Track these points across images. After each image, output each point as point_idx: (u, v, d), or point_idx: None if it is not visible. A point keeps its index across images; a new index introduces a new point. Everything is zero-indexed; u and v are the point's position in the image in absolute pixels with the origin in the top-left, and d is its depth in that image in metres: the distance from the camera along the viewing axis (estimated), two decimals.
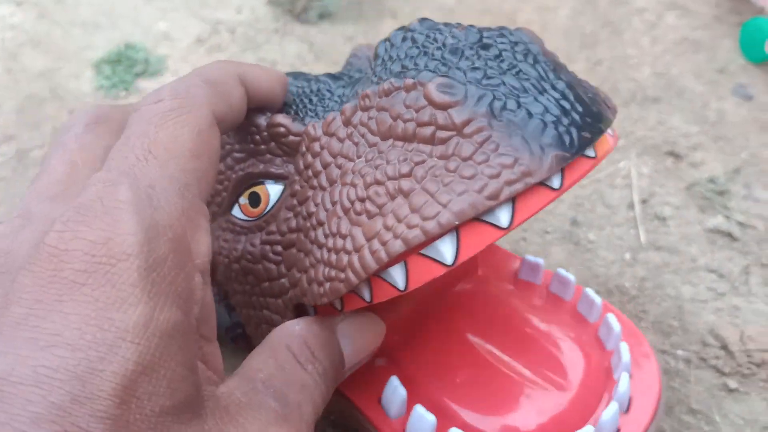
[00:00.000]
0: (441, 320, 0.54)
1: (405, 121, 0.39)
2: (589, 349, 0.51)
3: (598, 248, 0.69)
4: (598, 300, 0.53)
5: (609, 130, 0.41)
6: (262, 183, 0.49)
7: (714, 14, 0.96)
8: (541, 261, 0.56)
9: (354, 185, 0.40)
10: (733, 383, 0.57)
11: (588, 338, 0.52)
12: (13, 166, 0.78)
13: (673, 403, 0.56)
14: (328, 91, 0.51)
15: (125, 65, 0.87)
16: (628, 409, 0.48)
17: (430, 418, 0.45)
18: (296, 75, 0.53)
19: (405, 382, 0.49)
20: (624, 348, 0.49)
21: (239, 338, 0.55)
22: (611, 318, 0.51)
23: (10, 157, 0.79)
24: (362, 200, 0.39)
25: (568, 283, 0.55)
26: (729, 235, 0.69)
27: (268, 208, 0.48)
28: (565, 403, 0.48)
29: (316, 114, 0.49)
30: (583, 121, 0.37)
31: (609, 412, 0.45)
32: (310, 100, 0.50)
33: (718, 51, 0.91)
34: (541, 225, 0.71)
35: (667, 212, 0.72)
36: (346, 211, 0.40)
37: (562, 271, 0.55)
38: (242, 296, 0.51)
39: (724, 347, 0.60)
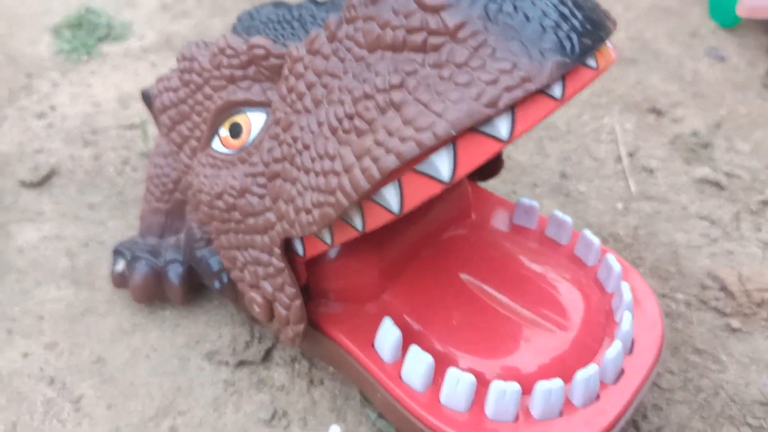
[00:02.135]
0: (433, 264, 0.51)
1: (394, 28, 0.35)
2: (589, 291, 0.49)
3: (589, 199, 0.67)
4: (596, 241, 0.51)
5: (609, 44, 0.39)
6: (243, 112, 0.45)
7: None
8: (536, 204, 0.54)
9: (341, 102, 0.37)
10: (735, 323, 0.56)
11: (587, 280, 0.50)
12: None
13: (678, 344, 0.55)
14: (311, 16, 0.47)
15: (86, 29, 0.83)
16: (631, 350, 0.46)
17: (428, 358, 0.42)
18: (277, 4, 0.50)
19: (399, 325, 0.46)
20: (625, 288, 0.47)
21: (225, 287, 0.52)
22: (611, 258, 0.49)
23: None
24: (350, 117, 0.36)
25: (564, 225, 0.53)
26: (717, 185, 0.69)
27: (251, 139, 0.44)
28: (567, 343, 0.45)
29: (299, 38, 0.45)
30: (583, 28, 0.35)
31: (613, 350, 0.43)
32: (292, 26, 0.47)
33: (688, 16, 0.92)
34: (530, 178, 0.69)
35: (654, 164, 0.71)
36: (333, 131, 0.37)
37: (558, 213, 0.53)
38: (226, 236, 0.47)
39: (724, 288, 0.59)
